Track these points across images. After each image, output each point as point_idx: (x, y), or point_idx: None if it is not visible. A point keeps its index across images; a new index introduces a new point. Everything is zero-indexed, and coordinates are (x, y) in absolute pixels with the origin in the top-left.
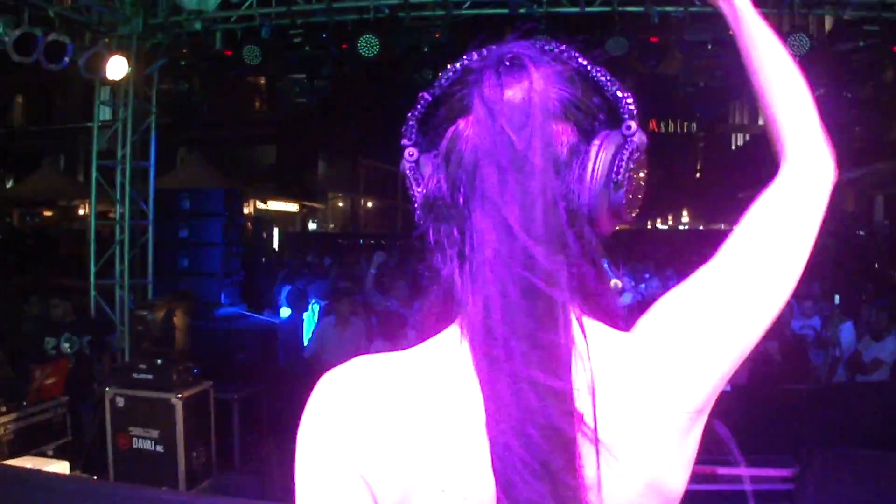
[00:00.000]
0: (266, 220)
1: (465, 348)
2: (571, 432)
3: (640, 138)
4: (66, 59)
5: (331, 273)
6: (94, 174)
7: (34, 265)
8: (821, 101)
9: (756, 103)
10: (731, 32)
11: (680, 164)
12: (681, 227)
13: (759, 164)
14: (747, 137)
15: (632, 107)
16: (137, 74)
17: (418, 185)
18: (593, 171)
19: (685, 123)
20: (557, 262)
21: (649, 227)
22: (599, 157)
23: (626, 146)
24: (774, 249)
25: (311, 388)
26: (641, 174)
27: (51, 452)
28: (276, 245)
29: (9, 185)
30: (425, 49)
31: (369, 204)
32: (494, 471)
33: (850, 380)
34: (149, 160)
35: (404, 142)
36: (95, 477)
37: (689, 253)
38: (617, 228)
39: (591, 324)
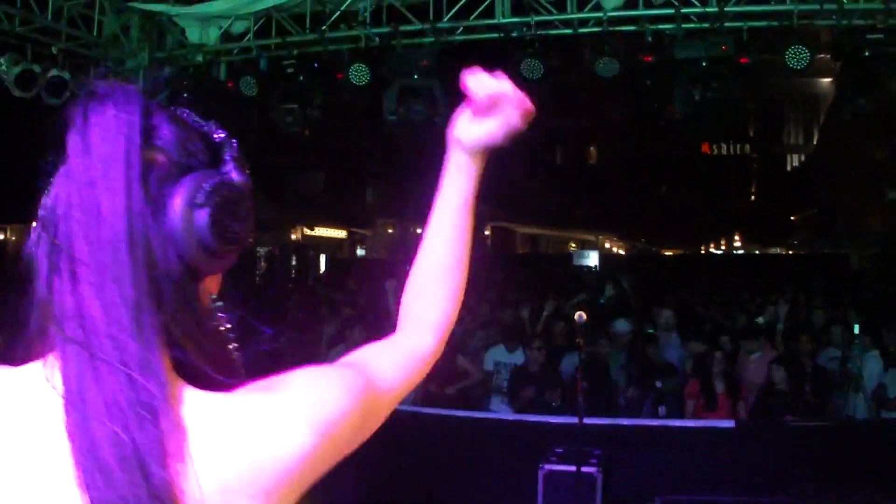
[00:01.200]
0: (309, 247)
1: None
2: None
3: (236, 176)
4: (67, 94)
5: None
6: None
7: None
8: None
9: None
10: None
11: (733, 186)
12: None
13: (815, 185)
14: (802, 158)
15: (229, 147)
16: None
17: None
18: (174, 203)
19: (738, 145)
20: (150, 335)
21: (703, 252)
22: (180, 191)
23: (211, 178)
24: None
25: None
26: (237, 208)
27: None
28: (321, 271)
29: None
30: (415, 77)
31: (419, 230)
32: None
33: (873, 416)
34: None
35: None
36: None
37: (742, 279)
38: (671, 254)
39: (192, 394)
